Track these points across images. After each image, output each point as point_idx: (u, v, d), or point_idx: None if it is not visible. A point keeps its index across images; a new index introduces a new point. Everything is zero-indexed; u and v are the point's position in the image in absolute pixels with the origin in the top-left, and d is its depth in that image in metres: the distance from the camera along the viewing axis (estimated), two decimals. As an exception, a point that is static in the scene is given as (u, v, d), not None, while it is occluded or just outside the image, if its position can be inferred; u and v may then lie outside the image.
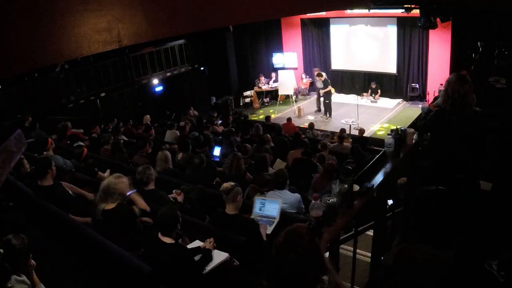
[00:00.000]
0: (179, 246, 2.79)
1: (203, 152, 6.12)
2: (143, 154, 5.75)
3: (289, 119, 10.51)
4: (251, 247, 3.05)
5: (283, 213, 3.71)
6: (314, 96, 14.20)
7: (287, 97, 13.62)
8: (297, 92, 14.09)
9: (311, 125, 9.82)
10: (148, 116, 10.46)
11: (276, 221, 3.45)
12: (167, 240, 2.75)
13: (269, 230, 3.35)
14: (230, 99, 13.79)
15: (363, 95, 12.84)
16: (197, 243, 3.09)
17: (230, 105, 13.72)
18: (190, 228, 3.42)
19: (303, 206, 3.96)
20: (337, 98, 13.72)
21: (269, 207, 3.53)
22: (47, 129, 8.02)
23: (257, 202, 3.58)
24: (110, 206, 3.19)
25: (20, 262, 2.41)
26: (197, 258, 2.83)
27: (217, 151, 6.98)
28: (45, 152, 5.16)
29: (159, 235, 2.78)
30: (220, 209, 3.43)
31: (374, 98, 13.00)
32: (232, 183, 3.33)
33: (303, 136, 8.79)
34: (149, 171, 3.93)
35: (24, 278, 2.37)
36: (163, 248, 2.71)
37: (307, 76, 14.27)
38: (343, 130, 8.88)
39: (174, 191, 4.05)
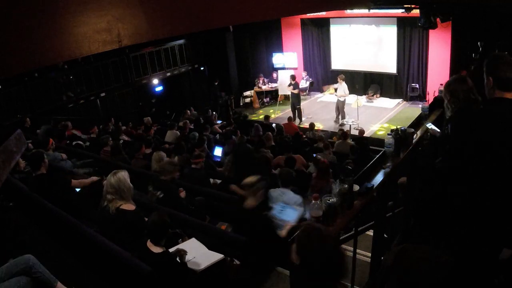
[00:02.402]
0: (167, 255, 2.73)
1: (202, 152, 6.12)
2: (140, 157, 5.75)
3: (289, 119, 10.52)
4: (263, 243, 3.02)
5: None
6: (314, 96, 14.22)
7: (287, 97, 13.61)
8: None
9: (312, 125, 9.83)
10: (149, 118, 10.47)
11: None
12: (155, 249, 2.71)
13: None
14: (230, 99, 13.76)
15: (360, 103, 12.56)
16: (192, 242, 3.08)
17: (230, 105, 13.71)
18: (190, 228, 3.43)
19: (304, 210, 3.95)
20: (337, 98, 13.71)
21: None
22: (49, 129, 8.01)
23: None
24: (128, 207, 3.17)
25: None
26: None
27: (218, 151, 6.99)
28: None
29: (147, 243, 2.74)
30: (239, 203, 3.40)
31: (373, 97, 13.03)
32: (256, 177, 3.29)
33: (304, 136, 8.80)
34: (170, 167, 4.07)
35: None
36: (151, 257, 2.67)
37: (307, 76, 14.25)
38: (341, 130, 8.93)
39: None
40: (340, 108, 11.39)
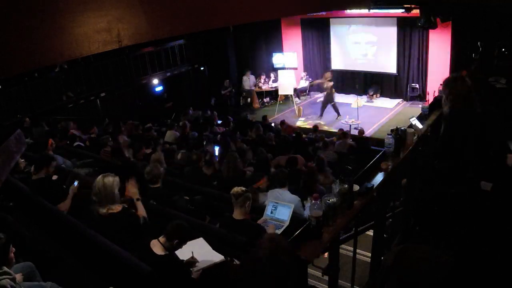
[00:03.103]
0: (169, 257, 2.74)
1: (202, 152, 6.12)
2: (140, 157, 5.76)
3: (282, 122, 10.25)
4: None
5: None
6: (314, 96, 14.21)
7: (287, 97, 13.61)
8: (298, 92, 14.07)
9: (316, 127, 9.82)
10: (150, 124, 10.44)
11: (285, 225, 3.44)
12: (158, 251, 2.72)
13: (278, 233, 3.35)
14: (230, 97, 13.67)
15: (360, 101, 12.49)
16: (200, 241, 3.08)
17: (230, 105, 13.71)
18: (190, 228, 3.42)
19: (303, 209, 3.95)
20: (337, 98, 13.70)
21: (281, 211, 3.53)
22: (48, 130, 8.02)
23: (270, 205, 3.58)
24: (116, 209, 3.17)
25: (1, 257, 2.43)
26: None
27: (217, 151, 6.98)
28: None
29: (150, 244, 2.75)
30: (228, 214, 3.42)
31: (373, 97, 13.02)
32: (243, 188, 3.31)
33: (304, 136, 8.79)
34: (156, 171, 3.96)
35: (5, 269, 2.37)
36: (153, 258, 2.67)
37: (307, 75, 14.26)
38: (341, 129, 8.94)
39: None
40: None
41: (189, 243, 3.00)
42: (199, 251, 2.94)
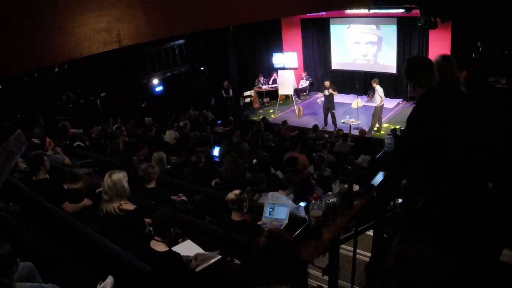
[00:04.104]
0: (170, 253, 2.74)
1: (204, 152, 6.12)
2: (141, 158, 5.75)
3: (283, 123, 10.17)
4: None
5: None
6: (314, 96, 14.21)
7: (287, 97, 13.62)
8: (298, 92, 14.07)
9: (315, 127, 9.81)
10: (150, 118, 10.45)
11: (284, 223, 3.46)
12: (158, 247, 2.72)
13: None
14: (229, 98, 13.66)
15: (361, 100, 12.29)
16: (188, 243, 3.08)
17: (230, 105, 13.70)
18: (190, 228, 3.42)
19: (301, 213, 3.95)
20: (337, 98, 13.70)
21: (279, 211, 3.56)
22: (47, 129, 8.02)
23: (267, 207, 3.61)
24: (128, 206, 3.18)
25: (6, 269, 2.33)
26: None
27: (217, 151, 6.99)
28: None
29: (151, 243, 2.76)
30: (226, 215, 3.43)
31: (373, 97, 13.00)
32: (237, 192, 3.32)
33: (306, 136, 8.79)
34: (151, 169, 3.95)
35: (8, 281, 2.30)
36: (154, 256, 2.68)
37: (307, 75, 14.25)
38: (341, 130, 8.94)
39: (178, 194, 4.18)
40: (377, 114, 10.58)
41: (179, 245, 2.99)
42: (192, 253, 2.94)
